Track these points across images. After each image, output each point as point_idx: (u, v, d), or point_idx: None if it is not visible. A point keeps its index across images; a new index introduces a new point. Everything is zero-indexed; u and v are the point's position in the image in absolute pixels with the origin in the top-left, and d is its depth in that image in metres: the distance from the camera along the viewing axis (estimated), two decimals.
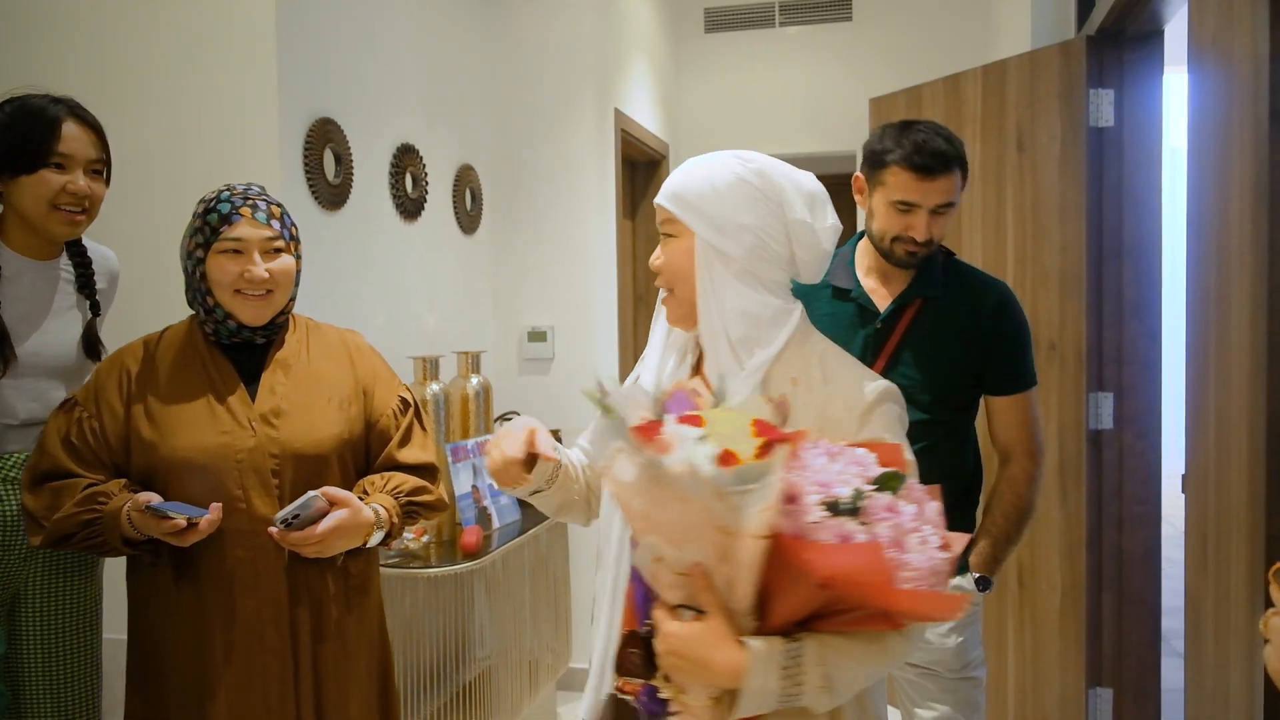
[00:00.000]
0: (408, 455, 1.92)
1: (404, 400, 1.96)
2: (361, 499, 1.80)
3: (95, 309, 2.06)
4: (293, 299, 1.86)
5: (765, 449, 1.06)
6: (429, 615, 3.18)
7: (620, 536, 1.36)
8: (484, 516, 3.22)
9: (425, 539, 3.06)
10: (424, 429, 1.98)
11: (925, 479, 1.98)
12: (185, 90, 2.72)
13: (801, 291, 2.14)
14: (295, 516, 1.69)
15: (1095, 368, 2.99)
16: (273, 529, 1.70)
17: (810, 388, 1.30)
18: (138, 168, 2.73)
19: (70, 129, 1.92)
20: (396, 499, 1.85)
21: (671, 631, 1.15)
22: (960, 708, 2.05)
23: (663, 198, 1.38)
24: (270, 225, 1.78)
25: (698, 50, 5.75)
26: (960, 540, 1.15)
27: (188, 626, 1.75)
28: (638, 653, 1.21)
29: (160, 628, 1.77)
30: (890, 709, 2.25)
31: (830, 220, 1.37)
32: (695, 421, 1.10)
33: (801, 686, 1.13)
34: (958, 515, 2.07)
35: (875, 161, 1.97)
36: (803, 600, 1.11)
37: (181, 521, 1.64)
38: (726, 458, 1.05)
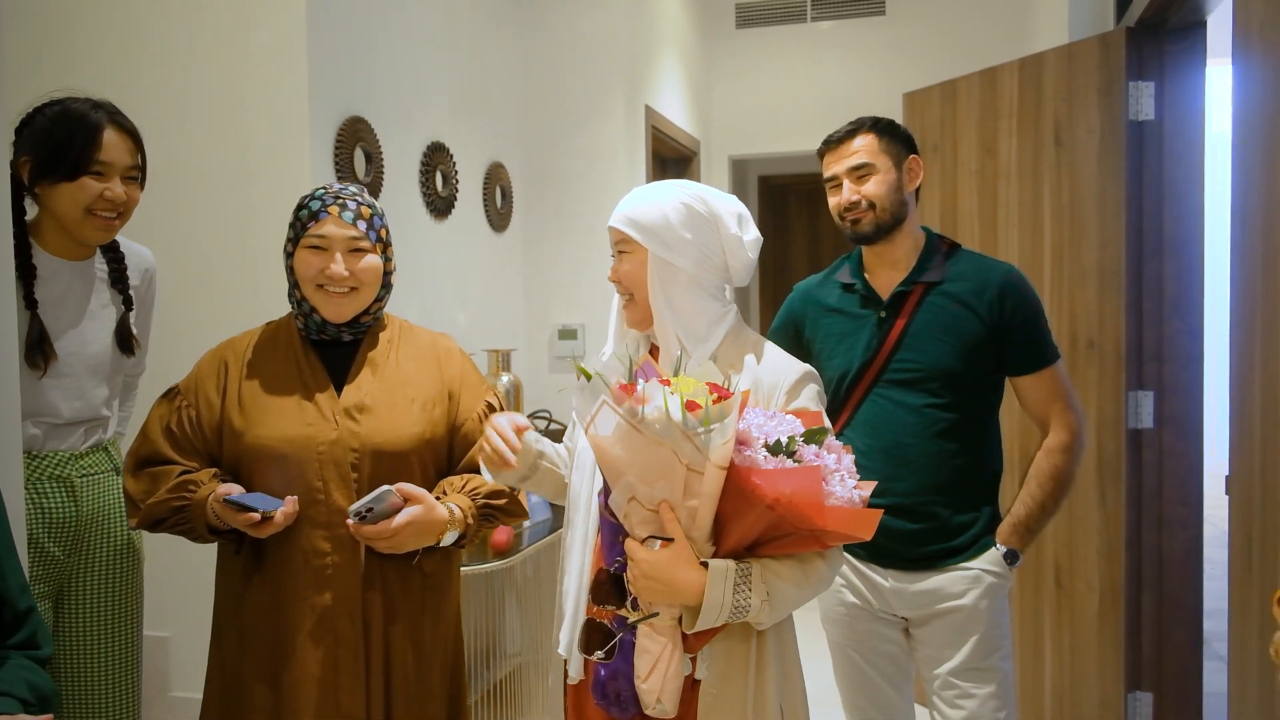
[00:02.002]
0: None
1: (490, 405, 1.96)
2: (439, 499, 1.81)
3: (128, 304, 2.08)
4: (380, 299, 1.87)
5: (720, 400, 1.35)
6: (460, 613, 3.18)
7: (589, 497, 1.61)
8: None
9: None
10: None
11: (944, 470, 2.01)
12: (217, 90, 2.74)
13: (808, 292, 2.22)
14: (369, 510, 1.70)
15: (1135, 366, 2.94)
16: (349, 521, 1.72)
17: (745, 370, 1.58)
18: (170, 167, 2.75)
19: (110, 137, 1.93)
20: (473, 500, 1.85)
21: (643, 558, 1.40)
22: (989, 704, 2.02)
23: (616, 222, 1.62)
24: (356, 226, 1.80)
25: (729, 46, 5.72)
26: (869, 485, 1.43)
27: (266, 615, 1.78)
28: (609, 586, 1.48)
29: (241, 616, 1.81)
30: (919, 708, 2.23)
31: (753, 234, 1.64)
32: (664, 383, 1.38)
33: (750, 600, 1.40)
34: (977, 515, 2.05)
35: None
36: (752, 523, 1.37)
37: (256, 515, 1.67)
38: (691, 406, 1.33)
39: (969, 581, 2.03)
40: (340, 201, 1.80)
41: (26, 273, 1.90)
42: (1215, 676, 3.31)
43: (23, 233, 1.92)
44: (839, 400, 2.11)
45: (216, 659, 1.85)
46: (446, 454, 1.92)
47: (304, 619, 1.76)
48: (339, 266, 1.78)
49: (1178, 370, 2.93)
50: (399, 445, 1.82)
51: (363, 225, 1.81)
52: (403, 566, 1.82)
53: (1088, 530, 3.00)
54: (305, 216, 1.79)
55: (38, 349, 1.90)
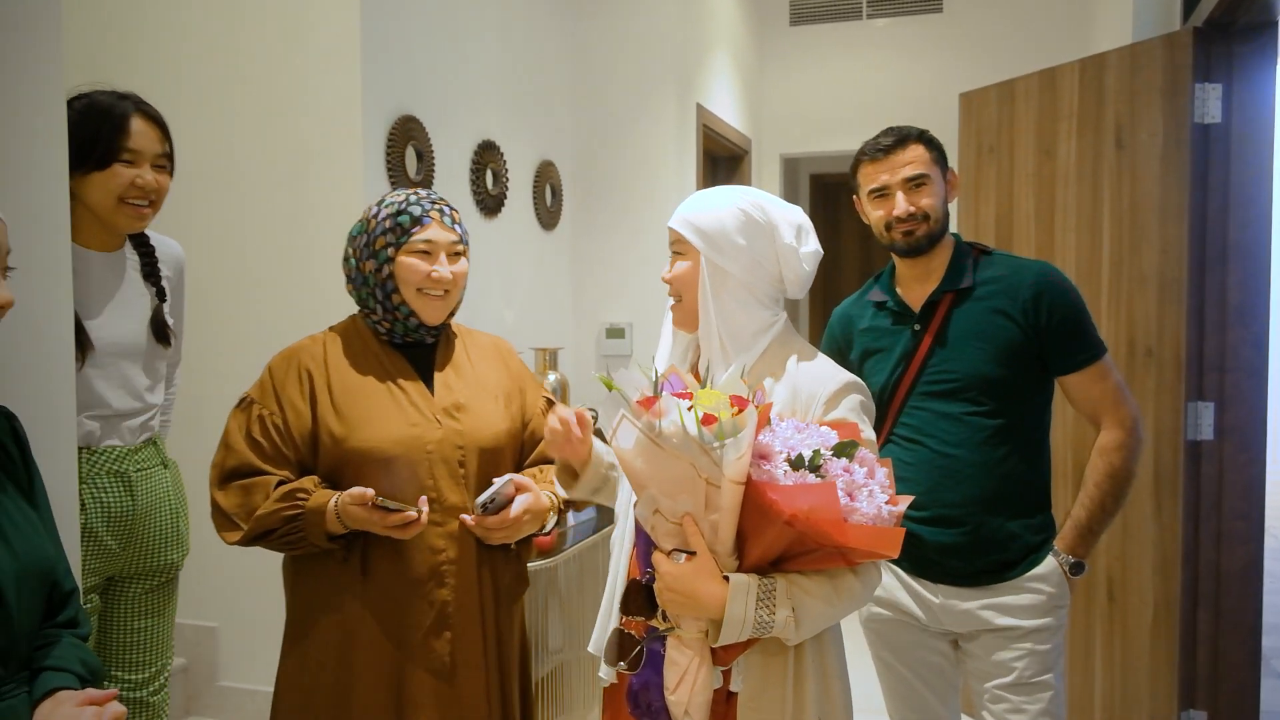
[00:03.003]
0: None
1: (549, 400, 2.03)
2: None
3: (161, 295, 2.11)
4: (460, 301, 1.91)
5: (739, 413, 1.33)
6: None
7: (628, 500, 1.60)
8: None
9: None
10: None
11: (992, 478, 1.97)
12: (271, 88, 2.76)
13: (844, 315, 2.21)
14: (492, 500, 1.75)
15: (1195, 376, 2.86)
16: (468, 516, 1.77)
17: (784, 380, 1.57)
18: (224, 165, 2.79)
19: (137, 125, 1.97)
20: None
21: (667, 571, 1.40)
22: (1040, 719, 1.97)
23: (674, 222, 1.62)
24: (455, 229, 1.85)
25: (782, 44, 5.67)
26: (905, 500, 1.40)
27: (380, 618, 1.76)
28: (639, 596, 1.46)
29: (347, 621, 1.77)
30: (965, 719, 2.20)
31: (812, 246, 1.62)
32: (685, 397, 1.38)
33: (774, 615, 1.38)
34: (1030, 523, 2.00)
35: (852, 176, 2.15)
36: (773, 538, 1.35)
37: (412, 514, 1.67)
38: (708, 419, 1.32)
39: (1024, 603, 1.98)
40: (438, 207, 1.84)
41: None
42: (1273, 695, 3.22)
43: None
44: (880, 415, 2.07)
45: (297, 667, 1.81)
46: (519, 448, 1.98)
47: (423, 617, 1.77)
48: (445, 270, 1.82)
49: (1240, 380, 2.84)
50: (497, 441, 1.88)
51: (459, 229, 1.87)
52: (507, 555, 1.88)
53: (1142, 543, 2.92)
54: (407, 222, 1.81)
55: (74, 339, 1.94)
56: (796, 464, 1.35)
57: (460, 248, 1.86)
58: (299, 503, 1.72)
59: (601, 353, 4.10)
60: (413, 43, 2.95)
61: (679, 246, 1.63)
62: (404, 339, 1.87)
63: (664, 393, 1.39)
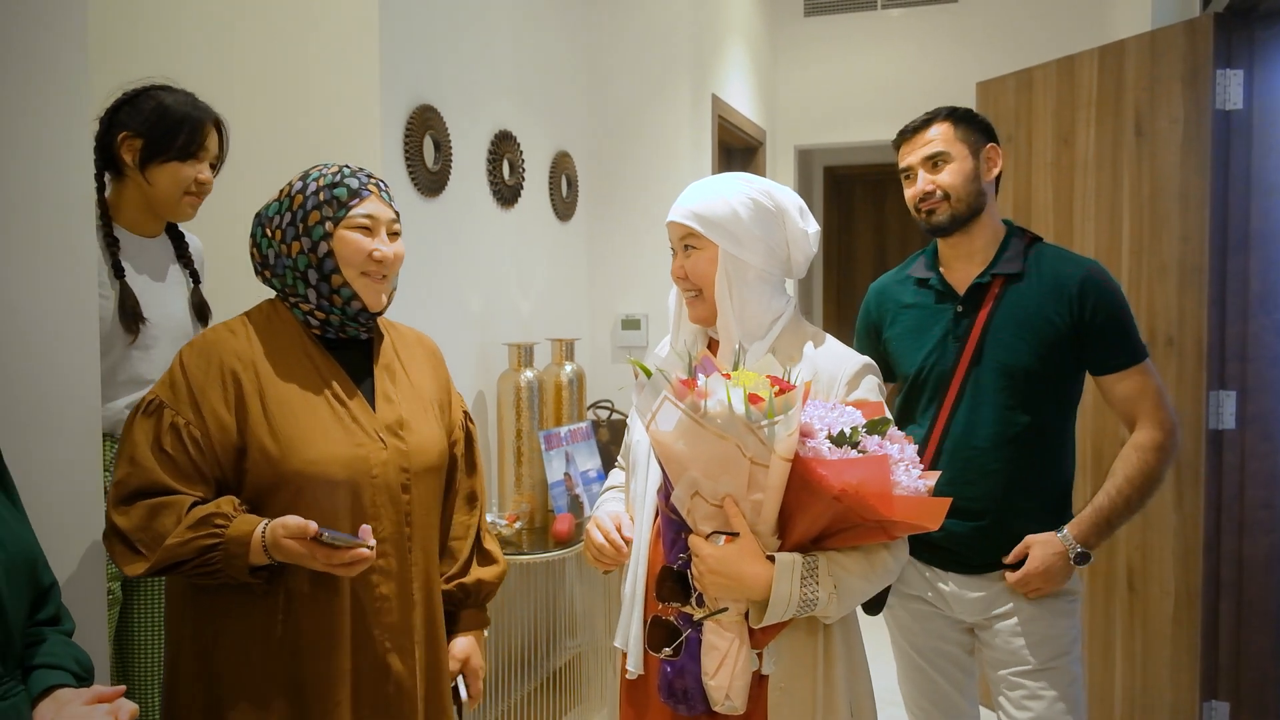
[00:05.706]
0: (479, 484, 1.87)
1: (465, 413, 1.87)
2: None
3: (195, 278, 2.20)
4: (394, 288, 1.74)
5: (782, 392, 1.34)
6: (520, 601, 3.20)
7: (644, 494, 1.60)
8: (576, 504, 3.22)
9: (518, 525, 3.08)
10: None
11: (1016, 475, 1.97)
12: (289, 77, 2.77)
13: (882, 290, 2.20)
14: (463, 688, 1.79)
15: (1217, 364, 2.84)
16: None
17: (804, 362, 1.57)
18: (240, 154, 2.79)
19: (211, 128, 2.13)
20: (480, 609, 1.86)
21: (709, 554, 1.39)
22: (1057, 707, 1.96)
23: (683, 218, 1.59)
24: (392, 207, 1.68)
25: (797, 34, 5.65)
26: (933, 475, 1.42)
27: (308, 663, 1.56)
28: (672, 583, 1.46)
29: (267, 666, 1.55)
30: (983, 710, 2.19)
31: (815, 227, 1.64)
32: (724, 377, 1.37)
33: (817, 593, 1.39)
34: (1048, 523, 1.98)
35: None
36: (818, 514, 1.36)
37: (367, 551, 1.47)
38: (754, 399, 1.33)
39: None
40: (375, 181, 1.68)
41: (111, 243, 2.02)
42: None
43: (103, 208, 2.06)
44: (911, 399, 2.06)
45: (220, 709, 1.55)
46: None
47: (359, 661, 1.59)
48: (387, 248, 1.64)
49: (1263, 369, 2.82)
50: (440, 461, 1.72)
51: (395, 207, 1.70)
52: (437, 588, 1.76)
53: (1163, 532, 2.91)
54: (345, 195, 1.62)
55: (130, 314, 2.00)
56: (839, 440, 1.37)
57: (398, 227, 1.68)
58: (217, 530, 1.47)
59: (617, 344, 4.09)
60: (431, 31, 2.95)
61: (692, 241, 1.60)
62: (339, 333, 1.67)
63: (706, 374, 1.40)
